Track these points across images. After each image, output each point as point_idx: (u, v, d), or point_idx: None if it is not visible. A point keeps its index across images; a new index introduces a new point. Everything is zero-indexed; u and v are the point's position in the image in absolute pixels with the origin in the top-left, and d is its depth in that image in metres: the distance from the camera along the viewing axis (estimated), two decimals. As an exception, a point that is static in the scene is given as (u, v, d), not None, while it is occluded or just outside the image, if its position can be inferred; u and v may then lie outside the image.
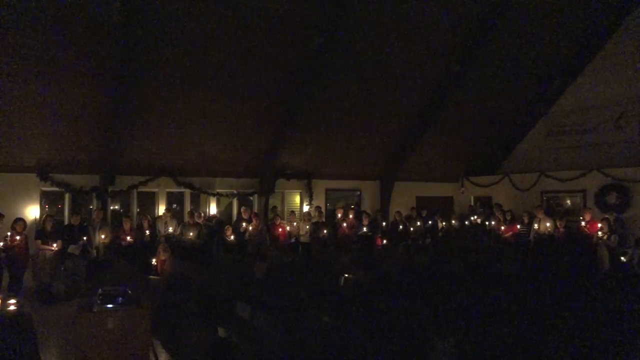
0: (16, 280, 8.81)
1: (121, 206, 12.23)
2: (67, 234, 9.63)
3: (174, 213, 11.87)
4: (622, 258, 9.63)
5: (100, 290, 5.22)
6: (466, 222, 13.98)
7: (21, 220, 9.19)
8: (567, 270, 9.79)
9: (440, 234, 13.76)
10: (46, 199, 11.18)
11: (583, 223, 11.40)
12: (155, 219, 11.51)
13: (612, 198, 12.36)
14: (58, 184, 10.77)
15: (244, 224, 11.53)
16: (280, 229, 11.80)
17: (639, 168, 12.03)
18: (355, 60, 11.07)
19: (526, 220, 12.31)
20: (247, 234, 11.37)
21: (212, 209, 12.72)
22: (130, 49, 8.96)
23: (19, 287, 8.80)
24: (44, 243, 9.09)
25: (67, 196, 11.20)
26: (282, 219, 12.70)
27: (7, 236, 8.70)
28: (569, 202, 13.73)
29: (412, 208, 14.25)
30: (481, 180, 15.57)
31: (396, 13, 10.29)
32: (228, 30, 9.49)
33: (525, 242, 12.04)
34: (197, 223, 11.14)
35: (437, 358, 4.30)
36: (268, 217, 12.62)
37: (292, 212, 13.09)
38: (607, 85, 13.24)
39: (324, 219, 12.64)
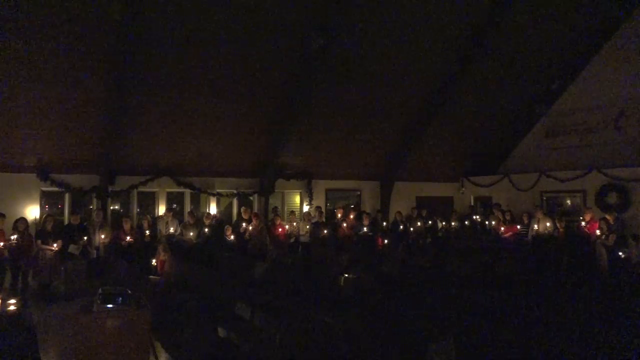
0: (18, 280, 8.83)
1: (121, 206, 12.23)
2: (67, 234, 9.63)
3: (175, 213, 11.88)
4: (620, 254, 9.62)
5: (100, 290, 5.22)
6: (466, 222, 13.98)
7: (22, 219, 9.22)
8: (567, 270, 9.80)
9: (440, 234, 13.75)
10: (46, 199, 11.18)
11: (583, 223, 11.40)
12: (156, 219, 11.52)
13: (612, 198, 12.35)
14: (58, 184, 10.76)
15: (244, 224, 11.53)
16: (280, 229, 11.79)
17: (639, 168, 12.03)
18: (355, 61, 11.06)
19: (526, 221, 12.31)
20: (247, 234, 11.37)
21: (212, 209, 12.72)
22: (130, 49, 8.95)
23: (21, 287, 8.83)
24: (44, 243, 9.09)
25: (67, 196, 11.20)
26: (282, 219, 12.70)
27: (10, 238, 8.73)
28: (569, 202, 13.72)
29: (413, 208, 14.25)
30: (481, 180, 15.57)
31: (396, 13, 10.28)
32: (228, 31, 9.48)
33: (525, 242, 12.04)
34: (198, 223, 11.17)
35: (437, 358, 4.30)
36: (268, 217, 12.62)
37: (292, 212, 13.09)
38: (607, 85, 13.24)
39: (324, 219, 12.63)
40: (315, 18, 9.80)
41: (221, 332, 5.95)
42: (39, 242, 9.09)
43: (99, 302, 5.09)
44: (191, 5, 8.83)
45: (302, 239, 12.04)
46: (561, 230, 11.61)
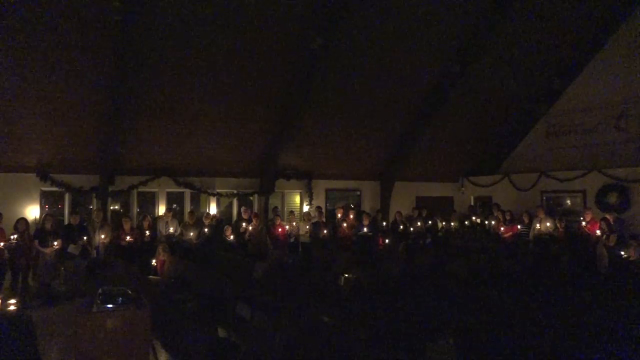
0: (18, 280, 8.83)
1: (121, 206, 12.23)
2: (67, 233, 9.62)
3: (174, 213, 11.88)
4: (622, 253, 9.60)
5: (100, 290, 5.21)
6: (466, 222, 13.98)
7: (22, 219, 9.22)
8: (567, 270, 9.78)
9: (440, 234, 13.76)
10: (46, 199, 11.18)
11: (584, 223, 11.40)
12: (156, 219, 11.51)
13: (612, 198, 12.34)
14: (58, 184, 10.78)
15: (244, 224, 11.54)
16: (280, 229, 11.80)
17: (639, 168, 12.03)
18: (355, 60, 11.07)
19: (526, 221, 12.30)
20: (247, 234, 11.37)
21: (212, 209, 12.73)
22: (130, 48, 8.96)
23: (21, 287, 8.82)
24: (42, 242, 9.05)
25: (67, 196, 11.21)
26: (282, 219, 12.70)
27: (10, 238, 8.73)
28: (569, 202, 13.72)
29: (413, 208, 14.25)
30: (481, 180, 15.57)
31: (396, 13, 10.29)
32: (228, 31, 9.49)
33: (525, 242, 12.03)
34: (198, 223, 11.17)
35: (437, 358, 4.30)
36: (268, 217, 12.62)
37: (292, 212, 13.10)
38: (607, 85, 13.23)
39: (324, 219, 12.64)
40: (315, 18, 9.81)
41: (221, 332, 5.95)
42: (36, 242, 9.06)
43: (99, 302, 5.09)
44: (191, 5, 8.83)
45: (302, 239, 12.05)
46: (561, 230, 11.61)
